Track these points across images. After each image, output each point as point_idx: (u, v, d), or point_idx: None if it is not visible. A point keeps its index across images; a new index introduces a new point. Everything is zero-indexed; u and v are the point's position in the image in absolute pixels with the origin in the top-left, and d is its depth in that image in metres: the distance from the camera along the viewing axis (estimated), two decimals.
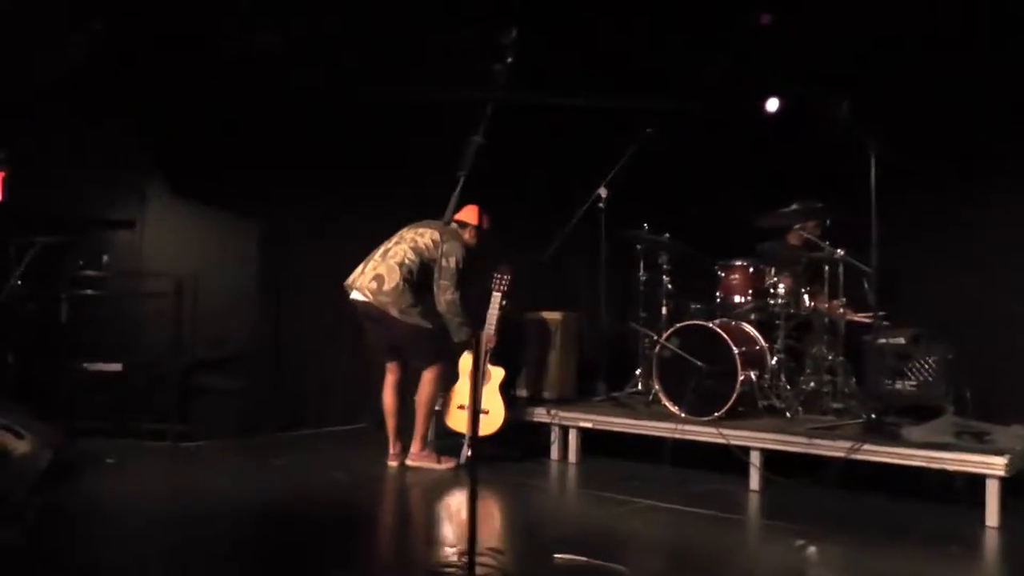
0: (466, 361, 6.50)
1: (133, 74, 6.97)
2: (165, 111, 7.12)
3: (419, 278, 6.27)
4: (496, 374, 6.46)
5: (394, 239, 6.42)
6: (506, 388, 6.58)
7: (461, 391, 6.53)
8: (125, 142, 7.16)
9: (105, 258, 7.00)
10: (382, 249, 6.39)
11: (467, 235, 6.44)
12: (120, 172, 7.24)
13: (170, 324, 7.04)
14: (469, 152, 3.01)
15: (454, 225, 6.43)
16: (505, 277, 6.40)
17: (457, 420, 6.52)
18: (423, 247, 6.31)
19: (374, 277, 6.24)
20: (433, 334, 6.29)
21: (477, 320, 6.42)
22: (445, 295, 6.25)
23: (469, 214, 6.44)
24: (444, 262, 6.26)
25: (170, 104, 7.10)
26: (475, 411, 3.34)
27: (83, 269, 7.01)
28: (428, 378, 6.39)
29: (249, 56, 6.87)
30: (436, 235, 6.35)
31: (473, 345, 6.27)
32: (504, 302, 6.44)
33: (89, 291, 7.01)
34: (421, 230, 6.40)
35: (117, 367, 6.90)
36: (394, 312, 6.17)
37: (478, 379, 3.29)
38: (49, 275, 6.86)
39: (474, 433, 3.27)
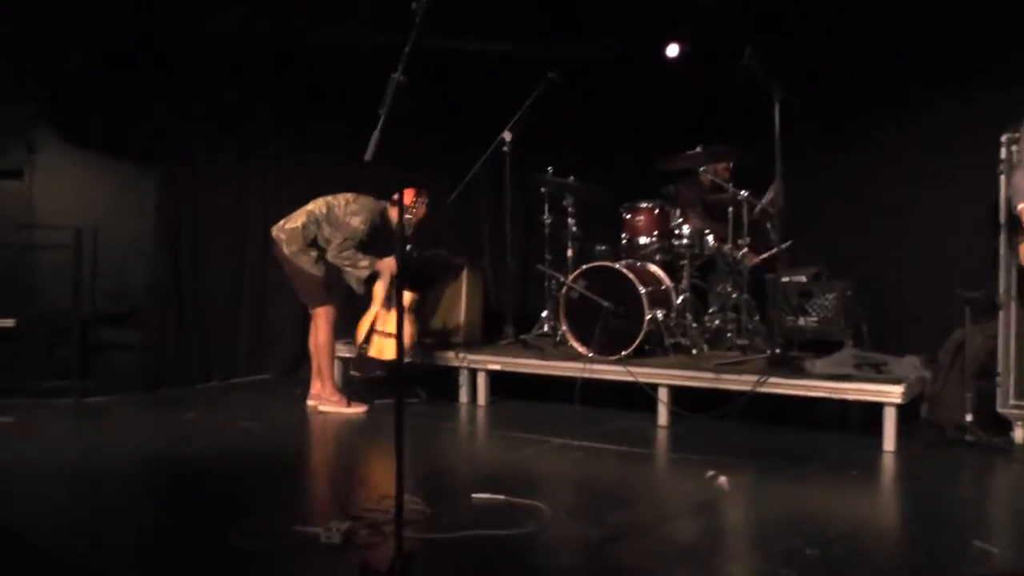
0: (378, 288, 6.54)
1: (16, 6, 6.61)
2: (53, 49, 6.82)
3: (320, 231, 6.42)
4: (404, 297, 6.44)
5: (324, 197, 6.54)
6: (416, 310, 6.66)
7: (373, 315, 6.56)
8: (8, 85, 6.83)
9: None
10: (311, 201, 6.55)
11: (393, 212, 6.48)
12: (4, 118, 6.86)
13: (67, 278, 6.78)
14: (389, 90, 2.96)
15: (383, 202, 6.51)
16: (421, 200, 6.40)
17: (374, 345, 6.54)
18: (334, 204, 6.47)
19: (286, 217, 6.51)
20: (319, 281, 6.46)
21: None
22: (332, 244, 6.39)
23: (407, 194, 6.37)
24: (347, 219, 6.39)
25: (59, 42, 6.80)
26: (398, 343, 3.33)
27: None
28: (319, 322, 6.52)
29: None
30: (351, 197, 6.50)
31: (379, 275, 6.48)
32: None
33: None
34: (345, 194, 6.53)
35: (9, 323, 6.65)
36: (285, 249, 6.42)
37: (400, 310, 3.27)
38: None
39: (399, 402, 3.25)
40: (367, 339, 6.50)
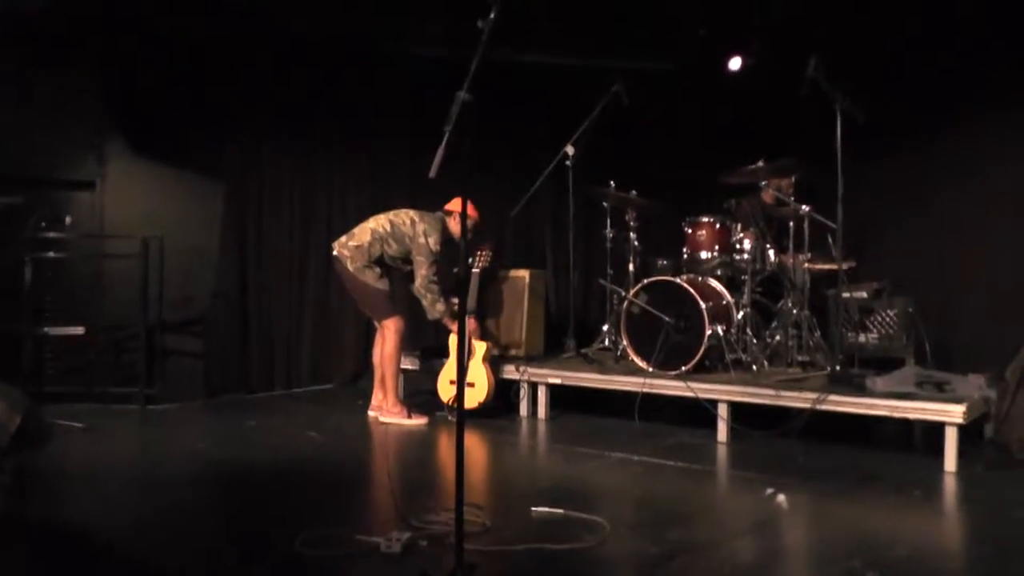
0: (453, 339, 6.59)
1: (88, 24, 6.80)
2: (123, 62, 7.01)
3: (387, 249, 6.46)
4: (479, 348, 6.54)
5: (384, 214, 6.59)
6: (492, 360, 6.68)
7: (452, 367, 6.62)
8: (81, 98, 7.02)
9: (68, 219, 6.88)
10: (371, 218, 6.58)
11: (452, 222, 6.56)
12: (77, 130, 7.05)
13: (135, 286, 6.95)
14: (455, 108, 2.99)
15: (439, 213, 6.57)
16: (484, 252, 6.49)
17: (447, 393, 6.62)
18: (399, 223, 6.51)
19: (348, 234, 6.54)
20: (386, 295, 6.49)
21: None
22: (420, 270, 6.45)
23: (455, 203, 6.52)
24: (421, 239, 6.44)
25: (128, 55, 6.99)
26: (460, 386, 3.37)
27: (45, 231, 6.85)
28: (386, 334, 6.54)
29: (214, 5, 6.73)
30: (415, 215, 6.53)
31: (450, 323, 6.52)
32: (482, 276, 6.73)
33: (52, 254, 6.87)
34: (405, 210, 6.59)
35: (79, 330, 6.80)
36: (349, 266, 6.44)
37: (463, 356, 3.30)
38: (9, 238, 6.72)
39: (460, 405, 3.34)
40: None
